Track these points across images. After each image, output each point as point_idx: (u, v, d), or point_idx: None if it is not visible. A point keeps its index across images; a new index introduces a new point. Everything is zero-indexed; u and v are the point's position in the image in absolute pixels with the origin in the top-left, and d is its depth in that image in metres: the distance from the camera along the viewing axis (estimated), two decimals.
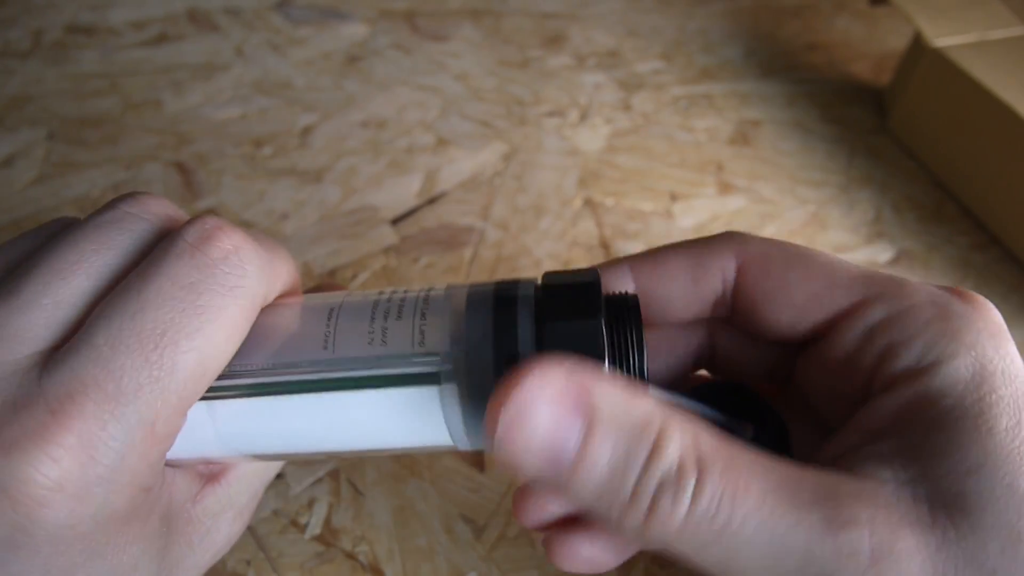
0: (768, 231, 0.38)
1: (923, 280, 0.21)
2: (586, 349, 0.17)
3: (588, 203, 0.39)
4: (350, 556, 0.26)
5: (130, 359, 0.16)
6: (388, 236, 0.37)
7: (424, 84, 0.47)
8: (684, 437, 0.16)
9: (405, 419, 0.19)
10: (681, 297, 0.21)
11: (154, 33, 0.49)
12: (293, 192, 0.39)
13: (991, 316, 0.19)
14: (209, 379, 0.18)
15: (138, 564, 0.18)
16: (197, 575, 0.21)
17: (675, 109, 0.46)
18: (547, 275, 0.19)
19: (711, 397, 0.22)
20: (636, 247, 0.37)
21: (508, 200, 0.39)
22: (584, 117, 0.45)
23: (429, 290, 0.20)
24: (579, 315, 0.18)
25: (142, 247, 0.18)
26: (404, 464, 0.28)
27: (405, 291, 0.20)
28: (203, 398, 0.19)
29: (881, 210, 0.40)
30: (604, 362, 0.17)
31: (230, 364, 0.19)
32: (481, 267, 0.36)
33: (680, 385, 0.24)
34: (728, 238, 0.21)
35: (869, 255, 0.38)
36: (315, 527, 0.26)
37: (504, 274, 0.35)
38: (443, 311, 0.19)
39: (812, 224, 0.39)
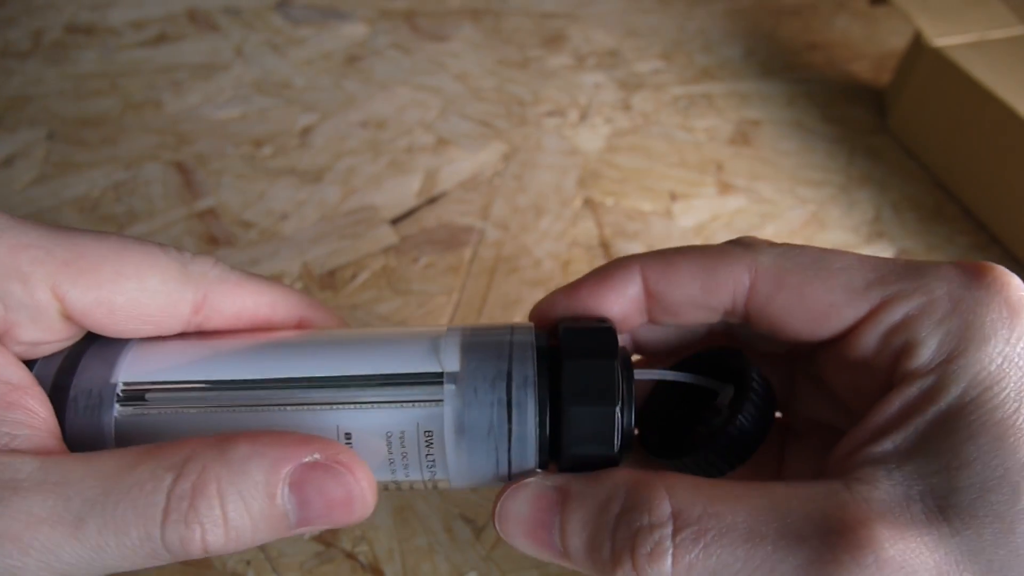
0: (768, 231, 0.38)
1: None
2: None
3: (588, 203, 0.39)
4: (350, 556, 0.26)
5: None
6: (388, 236, 0.37)
7: (424, 84, 0.47)
8: (655, 495, 0.17)
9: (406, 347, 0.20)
10: (690, 303, 0.21)
11: (154, 33, 0.49)
12: (293, 192, 0.39)
13: (1005, 298, 0.18)
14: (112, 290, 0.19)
15: None
16: None
17: (675, 109, 0.46)
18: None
19: (697, 365, 0.22)
20: (636, 247, 0.37)
21: (508, 200, 0.39)
22: (584, 117, 0.45)
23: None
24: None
25: None
26: None
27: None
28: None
29: (881, 210, 0.40)
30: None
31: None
32: (481, 267, 0.36)
33: (678, 352, 0.24)
34: (740, 250, 0.21)
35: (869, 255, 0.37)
36: None
37: (503, 274, 0.35)
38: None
39: (812, 224, 0.39)
